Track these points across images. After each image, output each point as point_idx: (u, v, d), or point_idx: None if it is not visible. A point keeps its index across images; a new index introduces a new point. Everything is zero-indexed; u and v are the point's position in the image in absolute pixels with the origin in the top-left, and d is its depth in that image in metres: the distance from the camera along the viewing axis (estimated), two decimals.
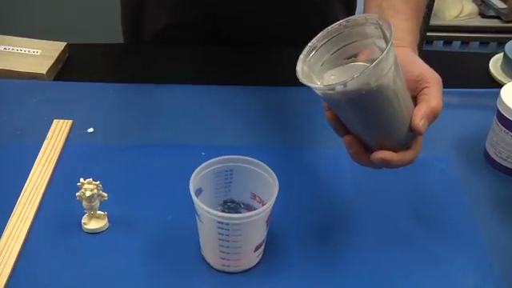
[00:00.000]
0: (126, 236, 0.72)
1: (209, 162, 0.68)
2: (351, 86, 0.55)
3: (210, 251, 0.69)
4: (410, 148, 0.64)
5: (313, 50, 0.62)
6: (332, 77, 0.62)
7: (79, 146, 0.85)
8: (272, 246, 0.72)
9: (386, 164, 0.62)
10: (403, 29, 0.68)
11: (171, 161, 0.83)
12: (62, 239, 0.72)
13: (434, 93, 0.62)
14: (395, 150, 0.62)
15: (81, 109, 0.93)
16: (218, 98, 0.96)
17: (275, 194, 0.64)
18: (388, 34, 0.57)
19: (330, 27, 0.62)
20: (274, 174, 0.66)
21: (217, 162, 0.68)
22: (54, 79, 1.00)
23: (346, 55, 0.63)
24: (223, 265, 0.68)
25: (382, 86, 0.57)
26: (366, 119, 0.60)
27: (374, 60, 0.55)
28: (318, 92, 0.59)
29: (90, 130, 0.88)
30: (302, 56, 0.62)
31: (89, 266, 0.69)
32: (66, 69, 1.02)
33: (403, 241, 0.74)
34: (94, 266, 0.69)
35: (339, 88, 0.56)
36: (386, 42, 0.57)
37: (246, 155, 0.69)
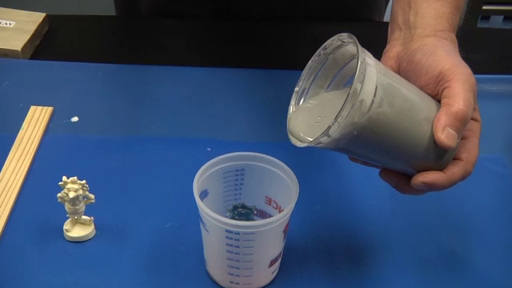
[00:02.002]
0: (116, 246, 0.74)
1: (216, 159, 0.69)
2: (336, 134, 0.57)
3: (217, 266, 0.70)
4: (461, 158, 0.62)
5: (303, 95, 0.65)
6: (310, 124, 0.63)
7: (61, 139, 0.87)
8: (289, 260, 0.73)
9: (431, 187, 0.61)
10: (430, 14, 0.66)
11: (171, 157, 0.85)
12: (39, 249, 0.73)
13: (455, 92, 0.60)
14: (440, 168, 0.62)
15: (63, 94, 0.94)
16: (227, 84, 0.97)
17: (295, 199, 0.65)
18: (359, 54, 0.56)
19: (310, 61, 0.64)
20: (294, 175, 0.68)
21: (225, 160, 0.69)
22: (31, 57, 1.02)
23: (343, 82, 0.64)
24: (232, 282, 0.70)
25: (374, 117, 0.57)
26: (380, 152, 0.61)
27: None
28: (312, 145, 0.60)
29: (74, 119, 0.90)
30: (291, 107, 0.64)
31: (71, 282, 0.70)
32: (46, 45, 1.04)
33: (448, 262, 0.75)
34: (77, 281, 0.70)
35: (325, 140, 0.57)
36: (356, 68, 0.56)
37: (261, 152, 0.70)
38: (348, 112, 0.55)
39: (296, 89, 0.65)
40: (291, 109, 0.65)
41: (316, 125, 0.62)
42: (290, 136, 0.63)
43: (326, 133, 0.56)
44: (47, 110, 0.90)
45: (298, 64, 0.65)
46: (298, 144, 0.61)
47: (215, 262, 0.70)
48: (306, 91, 0.65)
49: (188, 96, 0.95)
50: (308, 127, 0.63)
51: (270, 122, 0.90)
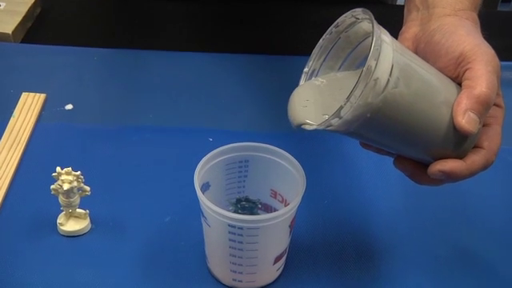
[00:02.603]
0: (112, 241, 0.74)
1: (218, 150, 0.69)
2: (348, 115, 0.56)
3: (219, 262, 0.70)
4: (482, 146, 0.61)
5: (312, 76, 0.64)
6: (319, 104, 0.62)
7: (54, 127, 0.88)
8: (295, 257, 0.73)
9: (449, 176, 0.60)
10: None
11: (170, 148, 0.85)
12: (31, 244, 0.74)
13: (477, 74, 0.59)
14: (459, 156, 0.61)
15: (56, 80, 0.95)
16: (231, 70, 0.97)
17: (301, 192, 0.65)
18: (374, 30, 0.56)
19: (320, 40, 0.63)
20: (301, 167, 0.68)
21: (228, 151, 0.70)
22: (22, 41, 1.02)
23: (356, 63, 0.64)
24: (234, 279, 0.70)
25: (389, 98, 0.56)
26: (395, 137, 0.60)
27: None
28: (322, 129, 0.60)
29: (69, 106, 0.91)
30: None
31: (65, 279, 0.70)
32: (38, 28, 1.04)
33: (464, 261, 0.75)
34: (71, 278, 0.70)
35: (336, 122, 0.56)
36: (371, 44, 0.55)
37: (266, 142, 0.70)
38: (361, 91, 0.54)
39: (305, 69, 0.64)
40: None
41: (325, 106, 0.61)
42: (294, 117, 0.61)
43: (337, 114, 0.55)
44: (40, 97, 0.91)
45: (306, 49, 0.65)
46: (307, 127, 0.60)
47: (217, 258, 0.70)
48: (315, 72, 0.64)
49: (189, 83, 0.95)
50: (316, 108, 0.62)
51: (275, 111, 0.90)
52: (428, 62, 0.62)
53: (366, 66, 0.54)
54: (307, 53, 0.64)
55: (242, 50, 0.99)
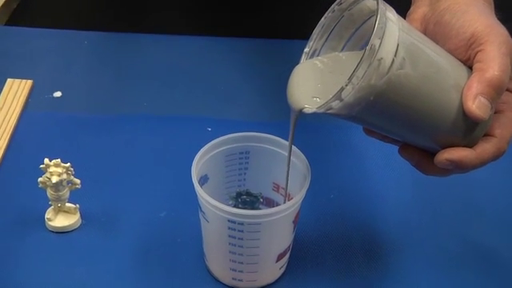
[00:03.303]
0: (104, 238, 0.75)
1: (217, 140, 0.70)
2: (350, 98, 0.55)
3: (218, 260, 0.71)
4: (494, 134, 0.61)
5: (313, 57, 0.63)
6: (319, 85, 0.62)
7: (42, 116, 0.88)
8: (299, 255, 0.74)
9: (457, 166, 0.60)
10: None
11: (166, 138, 0.86)
12: (17, 241, 0.74)
13: (490, 56, 0.58)
14: (469, 144, 0.61)
15: (44, 65, 0.95)
16: (230, 55, 0.98)
17: (306, 185, 0.66)
18: (379, 7, 0.56)
19: (323, 19, 0.63)
20: (305, 159, 0.68)
21: (228, 141, 0.70)
22: (6, 23, 1.02)
23: (360, 44, 0.63)
24: (234, 278, 0.70)
25: (394, 80, 0.55)
26: (400, 123, 0.60)
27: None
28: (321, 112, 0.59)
29: (57, 94, 0.91)
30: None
31: (53, 278, 0.70)
32: (24, 9, 1.04)
33: (476, 256, 0.75)
34: (60, 276, 0.71)
35: (337, 104, 0.56)
36: (375, 22, 0.55)
37: (268, 132, 0.71)
38: (364, 72, 0.54)
39: (305, 49, 0.64)
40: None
41: (326, 87, 0.61)
42: (292, 99, 0.61)
43: (337, 96, 0.55)
44: (26, 84, 0.91)
45: (309, 34, 0.65)
46: (306, 110, 0.60)
47: (216, 255, 0.70)
48: (317, 53, 0.64)
49: (186, 69, 0.96)
50: (316, 89, 0.62)
51: (278, 99, 0.88)
52: (438, 43, 0.62)
53: (369, 44, 0.54)
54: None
55: (243, 33, 1.00)
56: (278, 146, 0.70)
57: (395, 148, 0.65)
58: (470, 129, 0.60)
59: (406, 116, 0.58)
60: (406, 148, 0.64)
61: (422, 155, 0.63)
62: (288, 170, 0.67)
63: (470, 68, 0.60)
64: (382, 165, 0.84)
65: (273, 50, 0.99)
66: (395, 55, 0.55)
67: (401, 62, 0.55)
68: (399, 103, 0.57)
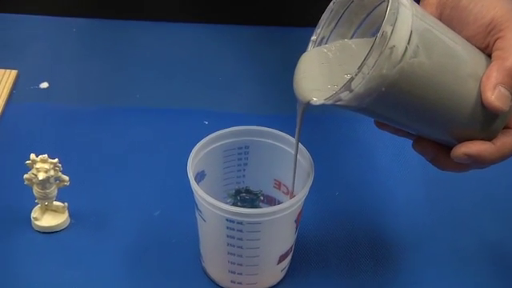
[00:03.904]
0: (94, 238, 0.75)
1: (215, 134, 0.69)
2: (360, 88, 0.55)
3: (215, 262, 0.71)
4: None
5: (321, 45, 0.63)
6: (327, 75, 0.62)
7: (28, 108, 0.88)
8: (302, 256, 0.74)
9: (476, 160, 0.60)
10: None
11: (160, 132, 0.86)
12: (2, 241, 0.74)
13: (510, 44, 0.58)
14: (487, 137, 0.61)
15: (29, 54, 0.95)
16: (229, 44, 0.97)
17: (310, 182, 0.66)
18: None
19: (331, 4, 0.62)
20: (308, 154, 0.68)
21: (226, 136, 0.70)
22: None
23: (371, 31, 0.63)
24: (233, 281, 0.70)
25: (407, 69, 0.56)
26: (414, 115, 0.60)
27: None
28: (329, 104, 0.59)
29: (44, 84, 0.91)
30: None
31: (41, 280, 0.70)
32: None
33: (492, 257, 0.75)
34: (48, 279, 0.70)
35: (346, 95, 0.56)
36: (386, 7, 0.55)
37: (268, 126, 0.70)
38: (375, 61, 0.54)
39: (313, 37, 0.63)
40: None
41: (334, 77, 0.61)
42: (299, 90, 0.61)
43: (347, 86, 0.55)
44: (10, 74, 0.91)
45: (316, 20, 0.65)
46: (314, 101, 0.59)
47: (213, 257, 0.70)
48: (325, 41, 0.63)
49: (182, 58, 0.96)
50: (324, 79, 0.62)
51: (280, 90, 0.90)
52: (454, 30, 0.62)
53: (380, 31, 0.53)
54: (316, 24, 0.64)
55: (243, 21, 0.99)
56: (279, 141, 0.70)
57: (407, 141, 0.65)
58: (488, 121, 0.60)
59: (420, 108, 0.58)
60: (420, 142, 0.63)
61: (438, 149, 0.63)
62: (295, 167, 0.67)
63: (489, 56, 0.60)
64: (392, 159, 0.84)
65: (276, 38, 0.99)
66: (408, 43, 0.55)
67: (414, 49, 0.55)
68: (413, 94, 0.57)
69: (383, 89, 0.55)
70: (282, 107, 0.86)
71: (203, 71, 0.94)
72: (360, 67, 0.54)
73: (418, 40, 0.55)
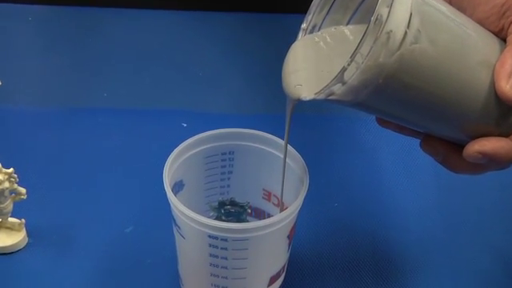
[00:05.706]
0: (55, 259, 0.75)
1: (194, 138, 0.70)
2: (354, 80, 0.55)
3: (196, 285, 0.71)
4: None
5: (313, 33, 0.63)
6: (319, 66, 0.62)
7: None
8: (296, 277, 0.74)
9: (491, 159, 0.60)
10: None
11: (131, 136, 0.86)
12: None
13: None
14: (503, 133, 0.60)
15: None
16: (210, 33, 0.98)
17: (303, 192, 0.66)
18: None
19: None
20: (302, 160, 0.68)
21: (208, 140, 0.71)
22: None
23: (370, 15, 0.62)
24: None
25: (407, 56, 0.55)
26: (418, 110, 0.60)
27: None
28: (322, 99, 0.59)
29: None
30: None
31: None
32: None
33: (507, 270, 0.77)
34: None
35: (339, 88, 0.56)
36: None
37: (256, 128, 0.71)
38: (370, 48, 0.53)
39: (303, 25, 0.64)
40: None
41: (327, 69, 0.61)
42: (288, 85, 0.61)
43: (339, 78, 0.55)
44: None
45: (306, 6, 0.66)
46: (303, 96, 0.59)
47: (194, 279, 0.71)
48: (317, 28, 0.64)
49: (156, 51, 0.97)
50: (316, 71, 0.62)
51: (268, 87, 0.91)
52: (465, 12, 0.62)
53: (374, 14, 0.53)
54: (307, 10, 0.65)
55: (225, 6, 1.00)
56: (268, 145, 0.71)
57: (415, 142, 0.66)
58: (504, 114, 0.60)
59: (424, 101, 0.58)
60: (428, 141, 0.64)
61: (449, 149, 0.63)
62: (283, 173, 0.67)
63: (503, 40, 0.61)
64: (398, 163, 0.85)
65: (263, 26, 0.99)
66: (408, 27, 0.54)
67: (415, 34, 0.55)
68: (415, 86, 0.57)
69: (380, 80, 0.55)
70: (272, 106, 0.87)
71: (180, 65, 0.94)
72: (352, 56, 0.54)
73: (419, 23, 0.55)
